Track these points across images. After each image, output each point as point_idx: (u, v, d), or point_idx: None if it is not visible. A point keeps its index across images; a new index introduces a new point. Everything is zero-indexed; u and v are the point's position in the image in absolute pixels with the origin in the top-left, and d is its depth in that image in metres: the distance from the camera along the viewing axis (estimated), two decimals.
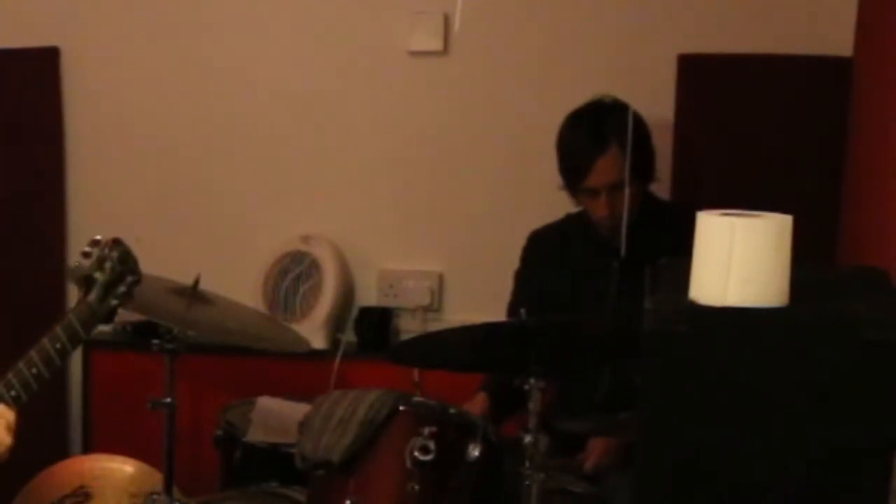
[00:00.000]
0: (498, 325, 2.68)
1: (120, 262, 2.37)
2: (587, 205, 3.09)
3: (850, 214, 3.27)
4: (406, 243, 3.81)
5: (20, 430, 2.17)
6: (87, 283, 2.33)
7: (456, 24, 3.54)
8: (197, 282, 3.09)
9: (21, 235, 3.93)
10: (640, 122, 3.04)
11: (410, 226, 3.81)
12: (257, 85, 3.84)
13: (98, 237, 2.37)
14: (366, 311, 3.78)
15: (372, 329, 3.75)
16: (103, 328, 2.54)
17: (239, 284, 3.55)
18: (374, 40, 3.74)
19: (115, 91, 3.92)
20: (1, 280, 3.91)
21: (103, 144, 3.95)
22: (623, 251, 2.79)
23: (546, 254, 3.24)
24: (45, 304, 3.90)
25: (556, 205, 3.20)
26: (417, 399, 2.61)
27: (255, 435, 3.10)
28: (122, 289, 2.38)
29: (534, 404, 2.47)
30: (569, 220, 3.23)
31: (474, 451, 2.45)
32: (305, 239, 3.76)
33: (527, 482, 2.46)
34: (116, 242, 2.39)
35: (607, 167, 2.98)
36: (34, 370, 2.20)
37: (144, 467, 3.30)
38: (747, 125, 3.48)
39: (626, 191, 2.86)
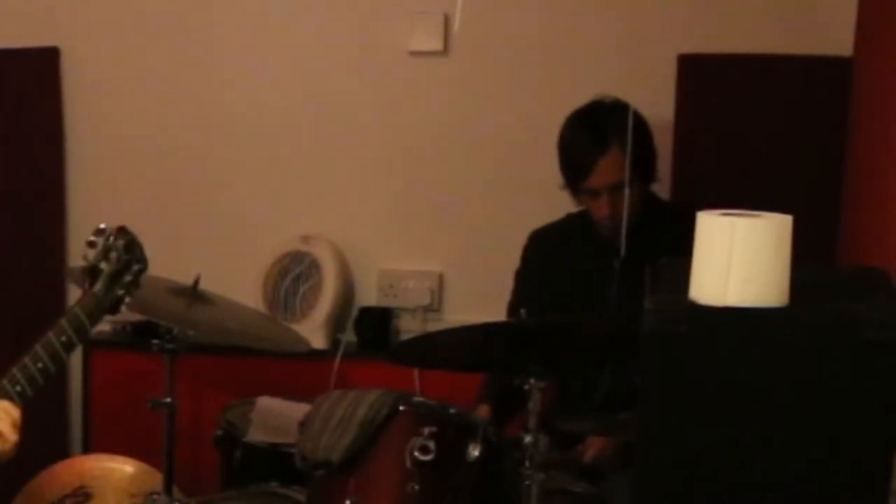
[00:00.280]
0: (498, 325, 2.68)
1: (125, 251, 2.36)
2: (588, 205, 3.09)
3: (850, 214, 3.27)
4: (406, 243, 3.81)
5: (23, 428, 2.17)
6: (92, 273, 2.32)
7: (456, 24, 3.55)
8: (197, 282, 3.09)
9: (21, 235, 3.93)
10: (641, 123, 3.04)
11: (410, 226, 3.81)
12: (257, 85, 3.84)
13: (103, 226, 2.35)
14: (366, 311, 3.78)
15: (372, 329, 3.75)
16: (103, 328, 2.54)
17: (239, 284, 3.55)
18: (374, 40, 3.74)
19: (115, 91, 3.92)
20: (1, 280, 3.90)
21: (103, 144, 3.95)
22: (623, 251, 2.79)
23: (546, 254, 3.24)
24: (45, 304, 3.90)
25: (557, 205, 3.20)
26: (417, 399, 2.62)
27: (255, 435, 3.10)
28: (128, 278, 2.36)
29: (534, 404, 2.48)
30: (569, 219, 3.24)
31: (474, 451, 2.45)
32: (305, 239, 3.76)
33: (527, 482, 2.46)
34: (122, 231, 2.37)
35: (608, 167, 2.98)
36: (40, 364, 2.19)
37: (144, 467, 3.30)
38: (747, 125, 3.48)
39: (627, 191, 2.86)
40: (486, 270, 3.63)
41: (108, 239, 2.34)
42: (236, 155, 3.87)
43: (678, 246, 1.99)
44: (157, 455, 3.06)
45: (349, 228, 3.82)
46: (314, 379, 3.56)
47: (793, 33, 3.45)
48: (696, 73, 3.49)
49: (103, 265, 2.33)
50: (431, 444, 2.45)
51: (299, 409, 2.88)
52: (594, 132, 3.03)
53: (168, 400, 2.98)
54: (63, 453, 3.80)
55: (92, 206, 3.92)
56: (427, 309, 3.78)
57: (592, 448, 2.95)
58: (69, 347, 2.24)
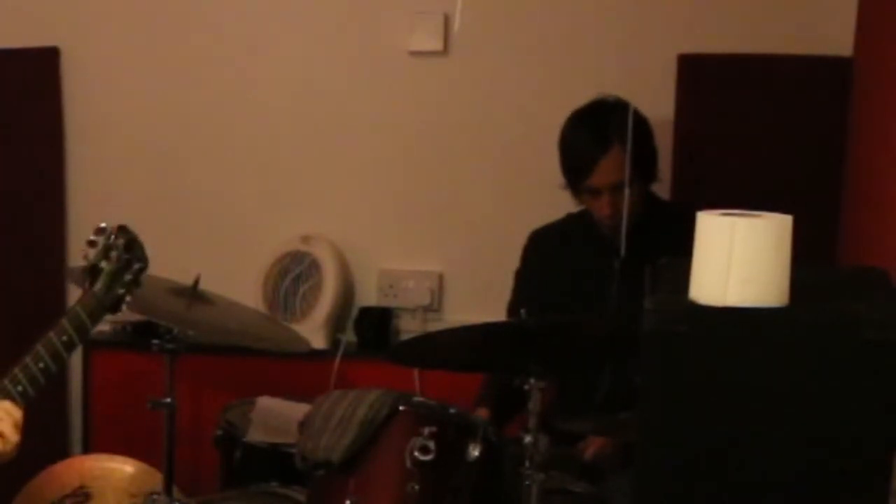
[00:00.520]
0: (498, 325, 2.68)
1: (126, 250, 2.36)
2: (589, 204, 3.08)
3: (850, 214, 3.27)
4: (406, 243, 3.81)
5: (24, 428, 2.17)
6: (92, 273, 2.32)
7: (456, 24, 3.55)
8: (197, 282, 3.09)
9: (21, 235, 3.93)
10: (642, 122, 3.04)
11: (410, 226, 3.81)
12: (257, 85, 3.84)
13: (103, 224, 2.35)
14: (366, 311, 3.78)
15: (372, 329, 3.75)
16: (103, 328, 2.54)
17: (239, 284, 3.55)
18: (374, 40, 3.74)
19: (115, 91, 3.92)
20: (1, 280, 3.90)
21: (103, 144, 3.95)
22: (623, 251, 2.79)
23: (546, 253, 3.24)
24: (45, 304, 3.90)
25: (557, 205, 3.20)
26: (417, 399, 2.62)
27: (255, 435, 3.10)
28: (128, 277, 2.36)
29: (534, 404, 2.47)
30: (570, 219, 3.24)
31: (474, 451, 2.45)
32: (305, 239, 3.76)
33: (527, 482, 2.46)
34: (122, 229, 2.37)
35: (609, 167, 2.98)
36: (41, 364, 2.19)
37: (144, 467, 3.30)
38: (747, 125, 3.48)
39: (627, 191, 2.86)
40: (486, 270, 3.63)
41: (108, 238, 2.34)
42: (236, 155, 3.87)
43: (678, 246, 1.99)
44: (157, 455, 3.06)
45: (349, 228, 3.82)
46: (314, 379, 3.56)
47: (793, 33, 3.44)
48: (696, 73, 3.49)
49: (104, 264, 2.32)
50: (431, 444, 2.45)
51: (299, 409, 2.88)
52: (595, 131, 3.03)
53: (168, 400, 2.97)
54: (63, 453, 3.80)
55: (92, 206, 3.92)
56: (427, 309, 3.78)
57: (593, 446, 2.95)
58: (70, 347, 2.24)
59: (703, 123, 3.50)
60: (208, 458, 3.27)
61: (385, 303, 3.79)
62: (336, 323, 3.77)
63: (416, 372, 3.54)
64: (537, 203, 3.40)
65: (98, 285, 2.31)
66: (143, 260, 2.40)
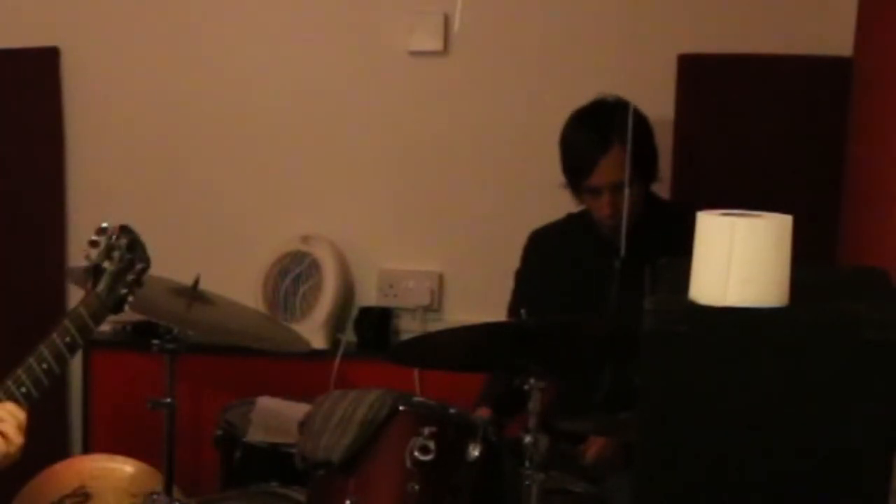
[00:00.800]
0: (498, 325, 2.68)
1: (128, 250, 2.36)
2: (589, 204, 3.08)
3: (850, 214, 3.27)
4: (406, 243, 3.81)
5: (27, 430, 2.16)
6: (95, 273, 2.31)
7: (456, 24, 3.55)
8: (197, 282, 3.09)
9: (21, 235, 3.93)
10: (643, 122, 3.04)
11: (410, 226, 3.81)
12: (257, 85, 3.84)
13: (105, 224, 2.35)
14: (366, 311, 3.78)
15: (372, 329, 3.75)
16: (103, 328, 2.54)
17: (239, 284, 3.55)
18: (374, 40, 3.74)
19: (115, 91, 3.92)
20: (1, 280, 3.90)
21: (103, 144, 3.95)
22: (623, 251, 2.79)
23: (547, 253, 3.24)
24: (45, 304, 3.90)
25: (556, 205, 3.20)
26: (417, 399, 2.62)
27: (255, 435, 3.10)
28: (131, 277, 2.36)
29: (534, 404, 2.47)
30: (570, 219, 3.24)
31: (474, 451, 2.46)
32: (305, 239, 3.76)
33: (527, 482, 2.46)
34: (124, 229, 2.37)
35: (610, 166, 2.98)
36: (44, 365, 2.19)
37: (144, 467, 3.30)
38: (747, 125, 3.47)
39: (627, 190, 2.86)
40: (486, 270, 3.63)
41: (110, 238, 2.34)
42: (236, 155, 3.87)
43: (678, 246, 1.99)
44: (157, 455, 3.06)
45: (349, 228, 3.82)
46: (314, 379, 3.56)
47: (793, 33, 3.44)
48: (696, 73, 3.49)
49: (106, 264, 2.32)
50: (431, 444, 2.45)
51: (299, 409, 2.88)
52: (596, 131, 3.03)
53: (168, 400, 2.98)
54: (63, 453, 3.79)
55: (92, 206, 3.92)
56: (427, 309, 3.78)
57: (594, 447, 2.95)
58: (73, 348, 2.23)
59: (703, 123, 3.50)
60: (208, 458, 3.27)
61: (385, 303, 3.79)
62: (336, 323, 3.77)
63: (416, 372, 3.54)
64: (537, 203, 3.40)
65: (101, 286, 2.31)
66: (145, 260, 2.40)
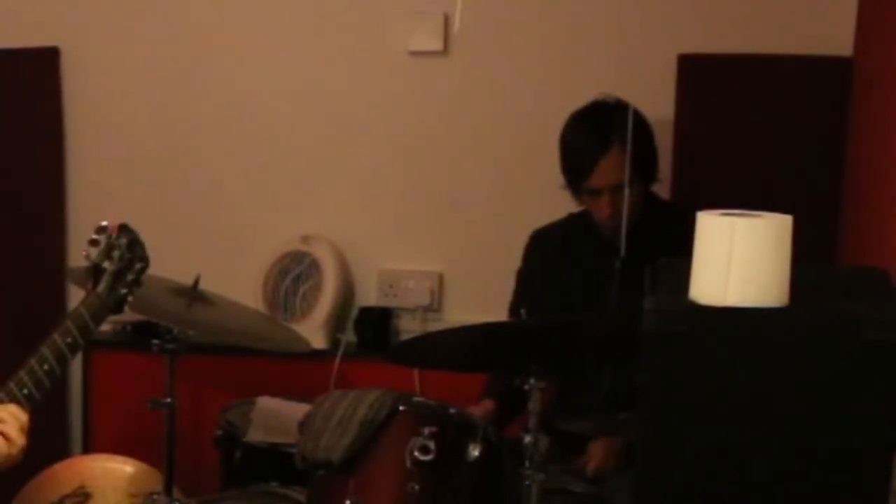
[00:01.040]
0: (498, 325, 2.68)
1: (128, 250, 2.35)
2: (589, 205, 3.08)
3: (850, 214, 3.27)
4: (406, 243, 3.81)
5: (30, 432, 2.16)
6: (95, 273, 2.31)
7: (456, 24, 3.54)
8: (197, 282, 3.09)
9: (21, 235, 3.93)
10: (642, 123, 3.03)
11: (410, 226, 3.81)
12: (257, 85, 3.84)
13: (104, 223, 2.34)
14: (366, 311, 3.78)
15: (372, 329, 3.75)
16: (103, 328, 2.53)
17: (239, 284, 3.55)
18: (374, 40, 3.74)
19: (115, 91, 3.92)
20: (1, 280, 3.90)
21: (103, 144, 3.95)
22: (623, 251, 2.79)
23: (548, 253, 3.24)
24: (45, 304, 3.90)
25: (557, 205, 3.20)
26: (417, 399, 2.62)
27: (255, 435, 3.10)
28: (130, 277, 2.36)
29: (534, 404, 2.47)
30: (571, 219, 3.23)
31: (474, 451, 2.46)
32: (305, 239, 3.76)
33: (527, 482, 2.46)
34: (123, 228, 2.36)
35: (609, 168, 2.98)
36: (46, 367, 2.18)
37: (144, 467, 3.30)
38: (747, 125, 3.47)
39: (627, 191, 2.86)
40: (486, 270, 3.63)
41: (110, 237, 2.33)
42: (236, 155, 3.87)
43: (678, 246, 1.99)
44: (157, 455, 3.06)
45: (349, 228, 3.82)
46: (314, 379, 3.56)
47: (793, 33, 3.44)
48: (696, 73, 3.48)
49: (106, 264, 2.32)
50: (431, 444, 2.45)
51: (299, 409, 2.88)
52: (596, 132, 3.03)
53: (168, 400, 2.98)
54: (63, 453, 3.79)
55: (92, 206, 3.92)
56: (427, 309, 3.78)
57: (594, 460, 2.94)
58: (74, 349, 2.23)
59: (703, 123, 3.50)
60: (208, 458, 3.27)
61: (385, 303, 3.79)
62: (336, 323, 3.77)
63: (416, 372, 3.54)
64: (537, 203, 3.40)
65: (101, 286, 2.31)
66: (145, 259, 2.40)
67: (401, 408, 2.52)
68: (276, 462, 2.98)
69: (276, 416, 3.16)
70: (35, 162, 3.96)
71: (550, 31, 3.63)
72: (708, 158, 3.51)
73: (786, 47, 3.43)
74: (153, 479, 3.18)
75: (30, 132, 3.94)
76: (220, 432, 3.16)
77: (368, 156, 3.80)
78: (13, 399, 2.15)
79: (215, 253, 3.81)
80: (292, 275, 3.74)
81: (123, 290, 2.35)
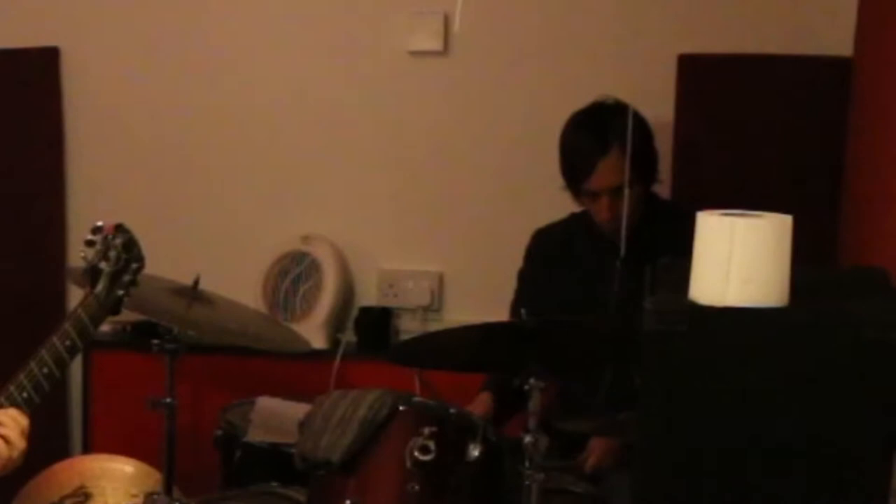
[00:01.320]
0: (498, 325, 2.68)
1: (124, 250, 2.35)
2: (589, 206, 3.08)
3: (850, 214, 3.27)
4: (406, 243, 3.81)
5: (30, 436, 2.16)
6: (92, 274, 2.31)
7: (456, 24, 3.54)
8: (197, 282, 3.08)
9: (21, 235, 3.93)
10: (642, 125, 3.03)
11: (410, 226, 3.81)
12: (257, 85, 3.84)
13: (100, 223, 2.34)
14: (366, 311, 3.78)
15: (372, 329, 3.74)
16: (103, 328, 2.54)
17: (239, 284, 3.55)
18: (374, 40, 3.74)
19: (115, 91, 3.92)
20: (1, 280, 3.90)
21: (103, 144, 3.95)
22: (623, 253, 2.79)
23: (549, 253, 3.24)
24: (45, 305, 3.90)
25: (557, 205, 3.20)
26: (417, 399, 2.62)
27: (255, 435, 3.09)
28: (127, 277, 2.36)
29: (534, 404, 2.47)
30: (573, 219, 3.23)
31: (474, 451, 2.45)
32: (305, 239, 3.76)
33: (527, 482, 2.45)
34: (120, 229, 2.36)
35: (609, 170, 2.97)
36: (45, 370, 2.18)
37: (144, 467, 3.30)
38: (747, 125, 3.47)
39: (626, 192, 2.86)
40: (486, 270, 3.63)
41: (106, 237, 2.33)
42: (236, 155, 3.87)
43: (679, 246, 1.99)
44: (157, 455, 3.06)
45: (349, 228, 3.82)
46: (314, 379, 3.56)
47: (793, 33, 3.44)
48: (696, 73, 3.48)
49: (103, 265, 2.32)
50: (431, 444, 2.45)
51: (299, 409, 2.88)
52: (595, 134, 3.02)
53: (168, 400, 2.97)
54: (63, 453, 3.79)
55: (92, 207, 3.92)
56: (427, 309, 3.78)
57: (593, 456, 2.94)
58: (73, 352, 2.23)
59: (703, 123, 3.50)
60: (208, 458, 3.27)
61: (385, 303, 3.79)
62: (336, 323, 3.77)
63: (416, 372, 3.54)
64: (537, 203, 3.40)
65: (99, 287, 2.31)
66: (141, 259, 2.40)
67: (401, 408, 2.52)
68: (276, 462, 2.97)
69: (276, 416, 3.16)
70: (35, 162, 3.96)
71: (550, 32, 3.63)
72: (708, 158, 3.51)
73: (786, 47, 3.43)
74: (153, 479, 3.18)
75: (30, 132, 3.94)
76: (220, 432, 3.15)
77: (368, 156, 3.80)
78: (13, 403, 2.15)
79: (215, 253, 3.81)
80: (292, 275, 3.74)
81: (120, 292, 2.35)
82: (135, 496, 3.21)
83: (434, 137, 3.74)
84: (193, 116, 3.88)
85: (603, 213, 3.02)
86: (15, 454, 2.12)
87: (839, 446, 1.81)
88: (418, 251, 3.80)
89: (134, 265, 2.37)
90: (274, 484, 2.94)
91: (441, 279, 3.78)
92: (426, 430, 2.46)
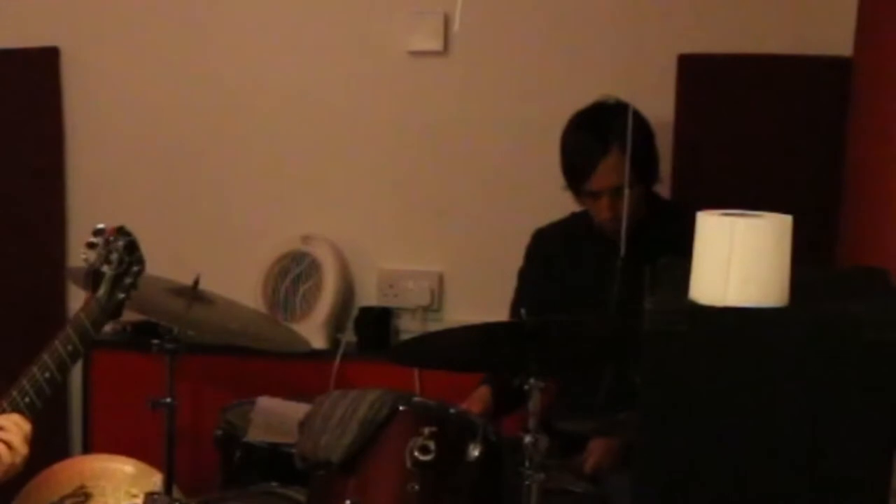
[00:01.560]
0: (498, 325, 2.68)
1: (126, 253, 2.35)
2: (589, 206, 3.08)
3: (850, 214, 3.27)
4: (406, 243, 3.81)
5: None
6: (94, 277, 2.31)
7: (456, 24, 3.54)
8: (197, 282, 3.08)
9: (21, 235, 3.93)
10: (643, 125, 3.03)
11: (410, 226, 3.81)
12: (257, 85, 3.84)
13: (101, 225, 2.34)
14: (366, 311, 3.78)
15: (372, 329, 3.74)
16: (104, 328, 2.53)
17: (239, 284, 3.55)
18: (374, 40, 3.74)
19: (115, 91, 3.92)
20: (1, 280, 3.90)
21: (103, 144, 3.95)
22: (623, 252, 2.79)
23: (550, 252, 3.24)
24: (45, 304, 3.90)
25: (557, 205, 3.20)
26: (417, 399, 2.61)
27: (255, 435, 3.09)
28: (128, 280, 2.36)
29: (534, 404, 2.47)
30: (573, 218, 3.23)
31: (474, 451, 2.45)
32: (305, 239, 3.76)
33: (527, 482, 2.45)
34: (121, 231, 2.36)
35: (609, 170, 2.97)
36: (47, 374, 2.18)
37: (144, 467, 3.29)
38: (747, 125, 3.47)
39: (626, 192, 2.86)
40: (487, 270, 3.63)
41: (107, 240, 2.33)
42: (236, 155, 3.87)
43: (679, 245, 1.99)
44: (157, 455, 3.06)
45: (349, 228, 3.82)
46: (314, 379, 3.56)
47: (793, 33, 3.44)
48: (696, 73, 3.48)
49: (105, 268, 2.32)
50: (431, 444, 2.45)
51: (299, 409, 2.88)
52: (595, 134, 3.02)
53: (168, 400, 2.98)
54: (63, 453, 3.79)
55: (92, 207, 3.92)
56: (427, 309, 3.78)
57: (593, 457, 2.94)
58: (75, 356, 2.23)
59: (703, 123, 3.50)
60: (208, 458, 3.27)
61: (385, 303, 3.79)
62: (336, 323, 3.77)
63: (416, 372, 3.54)
64: (537, 203, 3.40)
65: (101, 291, 2.30)
66: (141, 262, 2.40)
67: (401, 408, 2.52)
68: (276, 462, 2.97)
69: (276, 416, 3.16)
70: (35, 162, 3.96)
71: (550, 31, 3.63)
72: (708, 158, 3.51)
73: (786, 47, 3.43)
74: (153, 479, 3.18)
75: (30, 132, 3.94)
76: (220, 432, 3.15)
77: (368, 156, 3.80)
78: (16, 408, 2.15)
79: (215, 253, 3.81)
80: (292, 275, 3.74)
81: (122, 295, 2.35)
82: (135, 496, 3.21)
83: (434, 137, 3.74)
84: (193, 116, 3.88)
85: (603, 213, 3.02)
86: (17, 460, 2.12)
87: (839, 446, 1.81)
88: (418, 251, 3.80)
89: (135, 268, 2.37)
90: (274, 484, 2.94)
91: (441, 279, 3.78)
92: (426, 430, 2.46)
